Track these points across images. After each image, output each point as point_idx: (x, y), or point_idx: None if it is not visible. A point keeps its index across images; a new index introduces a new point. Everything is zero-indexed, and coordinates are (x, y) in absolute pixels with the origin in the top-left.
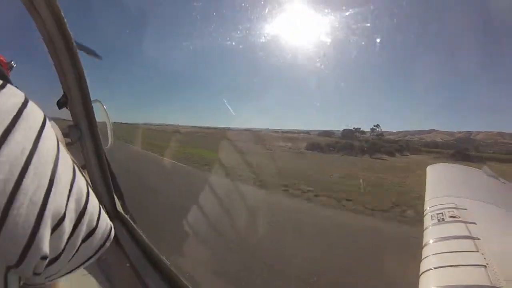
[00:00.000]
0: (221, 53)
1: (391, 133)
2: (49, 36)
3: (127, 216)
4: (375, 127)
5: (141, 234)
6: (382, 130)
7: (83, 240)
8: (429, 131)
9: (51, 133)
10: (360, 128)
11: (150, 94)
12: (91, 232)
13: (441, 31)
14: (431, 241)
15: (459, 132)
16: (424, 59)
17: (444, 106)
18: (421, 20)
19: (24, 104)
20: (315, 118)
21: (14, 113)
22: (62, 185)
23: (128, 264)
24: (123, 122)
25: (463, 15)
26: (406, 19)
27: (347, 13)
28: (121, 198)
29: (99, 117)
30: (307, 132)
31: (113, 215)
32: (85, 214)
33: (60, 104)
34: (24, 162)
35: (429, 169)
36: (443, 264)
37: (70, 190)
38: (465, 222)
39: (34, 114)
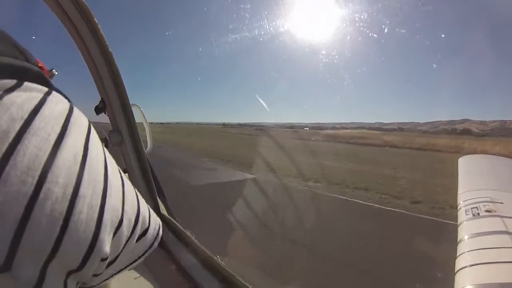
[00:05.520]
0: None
1: (418, 124)
2: (83, 42)
3: (171, 219)
4: None
5: (189, 235)
6: (409, 121)
7: (137, 241)
8: (462, 121)
9: (97, 138)
10: None
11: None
12: (144, 232)
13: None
14: (466, 237)
15: (493, 121)
16: (457, 48)
17: (476, 95)
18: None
19: (71, 110)
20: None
21: (63, 119)
22: (115, 188)
23: (174, 266)
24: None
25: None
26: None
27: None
28: (164, 200)
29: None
30: (370, 126)
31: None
32: (140, 215)
33: (98, 110)
34: (79, 167)
35: (461, 161)
36: (480, 261)
37: (123, 193)
38: (502, 217)
39: (80, 119)
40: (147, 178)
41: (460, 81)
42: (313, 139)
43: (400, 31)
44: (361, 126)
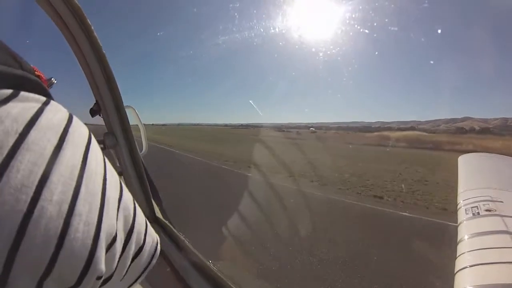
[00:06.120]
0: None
1: (420, 123)
2: (77, 45)
3: (166, 222)
4: None
5: (183, 239)
6: (410, 120)
7: (132, 259)
8: (463, 119)
9: (98, 149)
10: None
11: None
12: (139, 250)
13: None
14: (466, 237)
15: (495, 119)
16: (456, 45)
17: (477, 93)
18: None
19: (70, 120)
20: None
21: (61, 130)
22: (112, 203)
23: (168, 270)
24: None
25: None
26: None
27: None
28: (159, 203)
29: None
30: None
31: (152, 221)
32: (133, 232)
33: (93, 112)
34: (76, 182)
35: (461, 159)
36: (480, 262)
37: (118, 207)
38: (502, 216)
39: (80, 129)
40: (142, 181)
41: (460, 79)
42: (392, 145)
43: (400, 30)
44: (366, 126)
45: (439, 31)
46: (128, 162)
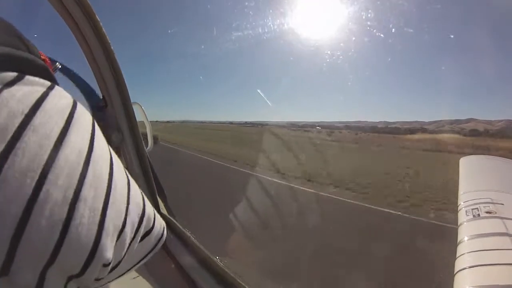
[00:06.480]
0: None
1: (424, 123)
2: (85, 40)
3: (171, 218)
4: None
5: (189, 235)
6: (414, 120)
7: (140, 242)
8: (467, 120)
9: (102, 135)
10: None
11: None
12: (147, 233)
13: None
14: (466, 238)
15: (499, 121)
16: (461, 45)
17: (481, 94)
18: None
19: (74, 106)
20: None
21: (67, 115)
22: (120, 188)
23: (173, 266)
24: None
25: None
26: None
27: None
28: (164, 200)
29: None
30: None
31: None
32: (144, 217)
33: (99, 108)
34: (82, 167)
35: (462, 161)
36: (479, 263)
37: (128, 193)
38: (502, 218)
39: (84, 115)
40: (148, 177)
41: (464, 79)
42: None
43: (404, 29)
44: (372, 126)
45: (451, 36)
46: (134, 159)
